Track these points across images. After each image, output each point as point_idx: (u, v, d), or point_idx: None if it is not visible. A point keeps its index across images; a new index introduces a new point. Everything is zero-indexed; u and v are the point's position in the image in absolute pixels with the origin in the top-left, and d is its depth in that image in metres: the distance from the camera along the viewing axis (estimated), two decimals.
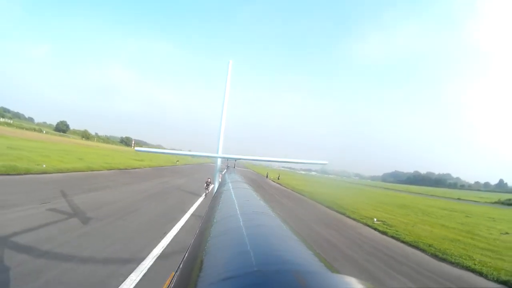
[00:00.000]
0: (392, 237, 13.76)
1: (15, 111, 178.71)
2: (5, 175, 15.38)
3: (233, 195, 1.60)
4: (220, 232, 0.79)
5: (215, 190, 2.94)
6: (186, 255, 0.79)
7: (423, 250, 11.91)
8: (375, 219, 17.19)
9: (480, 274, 9.70)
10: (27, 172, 17.32)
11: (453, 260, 10.89)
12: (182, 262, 0.72)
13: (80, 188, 14.77)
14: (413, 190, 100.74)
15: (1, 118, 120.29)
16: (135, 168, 32.18)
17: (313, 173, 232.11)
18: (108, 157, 38.65)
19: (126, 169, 30.04)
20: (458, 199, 65.28)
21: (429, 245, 12.58)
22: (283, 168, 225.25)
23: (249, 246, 0.59)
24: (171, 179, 26.77)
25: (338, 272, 0.48)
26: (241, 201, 1.36)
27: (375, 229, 15.11)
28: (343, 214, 19.06)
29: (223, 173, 5.61)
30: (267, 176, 59.08)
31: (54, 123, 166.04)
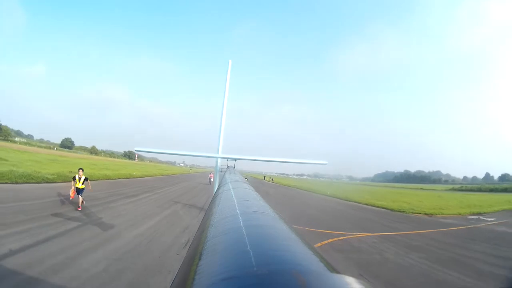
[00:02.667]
0: (335, 197, 28.07)
1: (15, 129, 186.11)
2: (129, 179, 28.99)
3: (233, 195, 1.62)
4: (220, 232, 0.80)
5: (215, 190, 3.04)
6: (186, 254, 0.79)
7: (348, 200, 26.21)
8: (328, 192, 31.52)
9: (365, 204, 23.92)
10: (134, 177, 30.97)
11: (360, 202, 25.14)
12: (182, 262, 0.72)
13: (171, 182, 28.46)
14: (390, 185, 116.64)
15: (17, 138, 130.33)
16: (173, 175, 45.86)
17: (305, 177, 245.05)
18: (144, 169, 52.01)
19: (169, 175, 43.74)
20: (421, 189, 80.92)
21: (346, 197, 26.83)
22: (276, 174, 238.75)
23: (249, 246, 0.61)
24: (202, 180, 40.55)
25: (338, 272, 0.49)
26: (241, 201, 1.38)
27: (325, 195, 29.43)
28: (312, 191, 33.37)
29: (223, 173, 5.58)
30: (264, 178, 73.19)
31: (51, 139, 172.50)
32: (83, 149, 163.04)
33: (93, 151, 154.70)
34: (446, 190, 78.90)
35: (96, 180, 20.57)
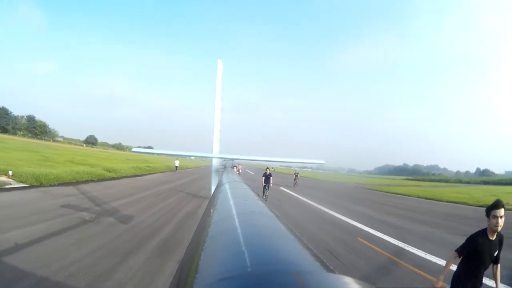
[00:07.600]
0: (319, 179, 52.74)
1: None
2: (195, 168, 53.63)
3: (230, 195, 1.66)
4: (217, 233, 0.82)
5: (212, 190, 3.11)
6: (183, 256, 0.80)
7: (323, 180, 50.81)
8: (305, 174, 56.12)
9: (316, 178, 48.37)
10: (196, 166, 55.55)
11: (332, 180, 49.57)
12: (179, 263, 0.74)
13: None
14: (373, 176, 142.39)
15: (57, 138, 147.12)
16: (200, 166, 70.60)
17: (308, 169, 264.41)
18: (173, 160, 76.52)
19: (207, 165, 68.42)
20: (386, 178, 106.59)
21: (323, 180, 51.34)
22: (279, 166, 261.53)
23: (246, 246, 0.62)
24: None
25: (335, 272, 0.50)
26: (238, 201, 1.41)
27: (311, 178, 54.16)
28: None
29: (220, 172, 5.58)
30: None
31: (64, 135, 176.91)
32: (105, 144, 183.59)
33: (119, 147, 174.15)
34: (402, 179, 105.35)
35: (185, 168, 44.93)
